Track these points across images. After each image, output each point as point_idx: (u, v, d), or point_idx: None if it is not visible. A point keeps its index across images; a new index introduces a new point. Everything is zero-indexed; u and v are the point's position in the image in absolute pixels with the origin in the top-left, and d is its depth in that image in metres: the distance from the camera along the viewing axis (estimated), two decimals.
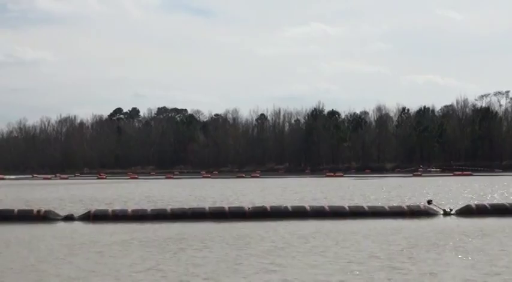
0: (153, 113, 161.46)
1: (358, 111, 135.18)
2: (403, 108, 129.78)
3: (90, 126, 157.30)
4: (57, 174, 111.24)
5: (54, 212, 23.50)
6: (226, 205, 24.62)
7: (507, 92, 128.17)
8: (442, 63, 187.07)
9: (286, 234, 17.78)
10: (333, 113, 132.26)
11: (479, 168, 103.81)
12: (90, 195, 39.68)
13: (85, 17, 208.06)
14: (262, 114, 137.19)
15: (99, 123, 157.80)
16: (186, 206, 25.47)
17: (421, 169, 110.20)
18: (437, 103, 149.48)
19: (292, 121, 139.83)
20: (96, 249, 15.53)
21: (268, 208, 22.89)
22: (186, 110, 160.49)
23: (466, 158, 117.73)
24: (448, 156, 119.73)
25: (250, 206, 23.77)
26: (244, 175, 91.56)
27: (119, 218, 22.55)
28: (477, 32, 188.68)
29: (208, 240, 16.69)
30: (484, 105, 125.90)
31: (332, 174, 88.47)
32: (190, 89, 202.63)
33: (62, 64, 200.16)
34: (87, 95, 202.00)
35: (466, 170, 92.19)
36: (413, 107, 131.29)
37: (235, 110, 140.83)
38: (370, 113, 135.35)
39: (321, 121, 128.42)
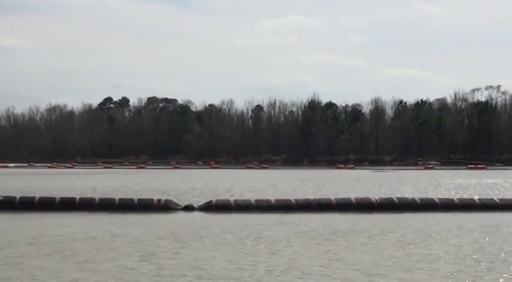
0: (143, 102, 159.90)
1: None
2: (400, 101, 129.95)
3: (80, 115, 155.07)
4: (74, 163, 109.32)
5: (174, 201, 22.72)
6: (352, 197, 23.99)
7: (498, 86, 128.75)
8: (420, 57, 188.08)
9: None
10: (330, 105, 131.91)
11: (478, 162, 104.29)
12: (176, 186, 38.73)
13: (62, 5, 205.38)
14: (258, 105, 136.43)
15: (89, 112, 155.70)
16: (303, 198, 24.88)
17: (420, 162, 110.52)
18: (414, 96, 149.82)
19: (286, 112, 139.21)
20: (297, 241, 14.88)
21: (396, 200, 22.36)
22: (176, 100, 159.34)
23: (464, 151, 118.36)
24: (446, 149, 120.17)
25: (377, 197, 23.20)
26: (253, 166, 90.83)
27: (242, 209, 21.87)
28: (455, 26, 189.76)
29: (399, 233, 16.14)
30: (481, 99, 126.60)
31: (343, 166, 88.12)
32: (168, 80, 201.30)
33: (39, 53, 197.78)
34: (64, 84, 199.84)
35: (471, 164, 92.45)
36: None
37: (231, 100, 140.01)
38: (365, 105, 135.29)
39: (319, 113, 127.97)
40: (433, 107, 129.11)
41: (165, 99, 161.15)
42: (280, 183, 41.32)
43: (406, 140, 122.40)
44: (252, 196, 25.76)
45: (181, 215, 21.31)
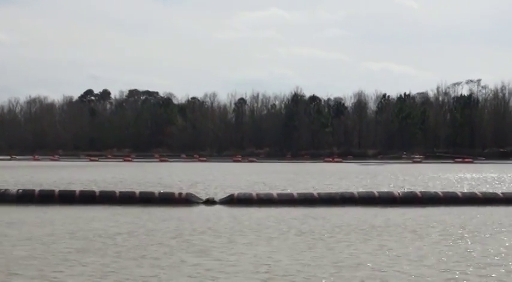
0: (124, 95, 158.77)
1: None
2: (383, 95, 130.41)
3: (60, 108, 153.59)
4: (56, 156, 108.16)
5: (195, 195, 22.42)
6: (374, 190, 23.84)
7: (479, 80, 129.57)
8: (399, 51, 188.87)
9: None
10: (314, 99, 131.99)
11: (462, 156, 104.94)
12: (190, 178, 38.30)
13: None
14: (241, 98, 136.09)
15: (70, 104, 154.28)
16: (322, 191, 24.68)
17: (404, 156, 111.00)
18: (393, 90, 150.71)
19: (269, 106, 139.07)
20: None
21: (419, 193, 22.26)
22: (157, 93, 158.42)
23: (447, 145, 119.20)
24: (429, 143, 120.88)
25: (399, 191, 23.08)
26: (240, 159, 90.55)
27: (264, 202, 21.63)
28: (433, 21, 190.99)
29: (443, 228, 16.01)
30: (462, 93, 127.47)
31: (331, 159, 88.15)
32: (147, 72, 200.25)
33: (17, 45, 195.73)
34: (43, 76, 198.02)
35: (457, 158, 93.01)
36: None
37: (214, 93, 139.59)
38: (348, 99, 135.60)
39: (302, 106, 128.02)
40: (416, 101, 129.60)
41: (147, 92, 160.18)
42: (275, 177, 41.09)
43: (389, 134, 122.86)
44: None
45: (203, 208, 21.00)
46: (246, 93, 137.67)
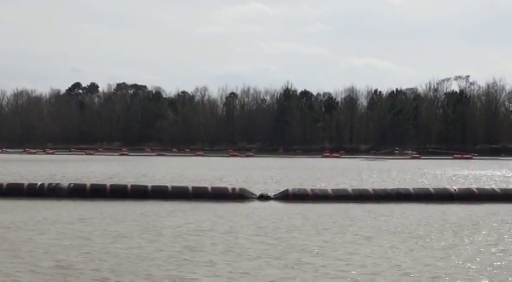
0: (112, 88, 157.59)
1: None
2: (375, 90, 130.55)
3: (47, 101, 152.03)
4: (47, 149, 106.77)
5: (249, 190, 22.02)
6: (430, 187, 23.57)
7: (467, 76, 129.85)
8: (380, 47, 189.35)
9: None
10: (305, 93, 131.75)
11: (454, 152, 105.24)
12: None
13: None
14: (232, 93, 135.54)
15: (57, 97, 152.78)
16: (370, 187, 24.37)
17: (397, 151, 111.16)
18: (378, 86, 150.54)
19: (259, 100, 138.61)
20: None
21: (476, 190, 22.06)
22: (145, 87, 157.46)
23: (438, 141, 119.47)
24: (421, 139, 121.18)
25: (455, 187, 22.83)
26: (238, 154, 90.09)
27: (320, 198, 21.28)
28: (415, 17, 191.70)
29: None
30: (450, 89, 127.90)
31: (329, 154, 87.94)
32: (130, 66, 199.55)
33: None
34: (24, 69, 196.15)
35: (455, 154, 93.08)
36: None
37: (205, 87, 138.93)
38: (338, 94, 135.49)
39: (294, 101, 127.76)
40: (407, 96, 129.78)
41: (135, 86, 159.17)
42: (289, 172, 40.72)
43: (381, 130, 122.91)
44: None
45: (259, 204, 20.61)
46: (237, 87, 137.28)
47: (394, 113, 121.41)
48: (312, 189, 21.89)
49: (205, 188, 21.87)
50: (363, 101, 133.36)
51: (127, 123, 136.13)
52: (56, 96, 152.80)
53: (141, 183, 24.26)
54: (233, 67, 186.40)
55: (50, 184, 21.58)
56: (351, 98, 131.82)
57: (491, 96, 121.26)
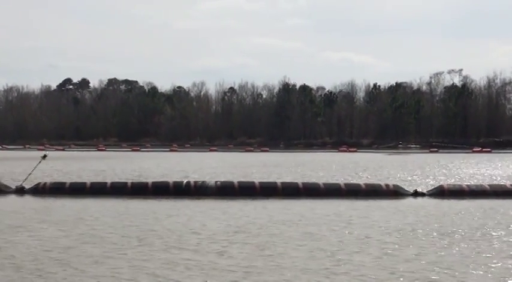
0: (103, 84, 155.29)
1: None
2: (374, 85, 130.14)
3: (39, 97, 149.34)
4: (46, 146, 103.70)
5: (402, 187, 20.94)
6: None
7: (460, 70, 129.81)
8: (357, 41, 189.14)
9: None
10: (304, 88, 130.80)
11: (458, 146, 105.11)
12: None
13: None
14: (231, 88, 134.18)
15: (48, 93, 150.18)
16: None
17: (400, 145, 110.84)
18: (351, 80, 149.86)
19: (255, 95, 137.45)
20: None
21: None
22: (137, 82, 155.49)
23: (440, 135, 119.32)
24: (423, 132, 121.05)
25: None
26: (252, 149, 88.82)
27: (477, 194, 20.28)
28: (392, 11, 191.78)
29: None
30: (444, 83, 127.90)
31: (345, 149, 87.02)
32: (107, 60, 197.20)
33: None
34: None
35: (447, 147, 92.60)
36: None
37: (202, 82, 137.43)
38: (336, 89, 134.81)
39: (294, 96, 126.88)
40: (407, 90, 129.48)
41: (126, 81, 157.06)
42: (334, 168, 39.71)
43: (382, 123, 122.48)
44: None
45: (415, 201, 19.55)
46: (235, 82, 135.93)
47: (396, 107, 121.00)
48: (467, 185, 20.83)
49: (359, 185, 20.73)
50: (361, 95, 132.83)
51: (123, 118, 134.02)
52: (47, 92, 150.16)
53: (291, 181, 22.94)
54: (209, 62, 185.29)
55: (196, 182, 20.23)
56: (350, 92, 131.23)
57: (492, 89, 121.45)
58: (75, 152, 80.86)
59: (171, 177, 26.81)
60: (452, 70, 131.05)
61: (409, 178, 29.21)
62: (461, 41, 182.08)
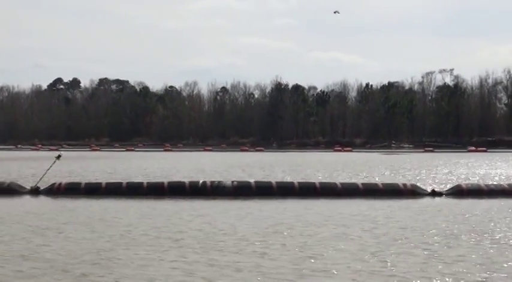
0: (94, 83, 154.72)
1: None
2: (366, 84, 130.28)
3: (29, 96, 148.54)
4: (40, 146, 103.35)
5: (419, 186, 20.76)
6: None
7: (451, 69, 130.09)
8: (346, 40, 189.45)
9: None
10: (297, 88, 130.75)
11: (452, 145, 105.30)
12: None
13: None
14: (223, 87, 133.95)
15: (39, 93, 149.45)
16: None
17: (393, 145, 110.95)
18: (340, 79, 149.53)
19: (246, 94, 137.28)
20: None
21: None
22: (128, 82, 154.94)
23: (433, 134, 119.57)
24: (416, 132, 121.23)
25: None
26: (247, 148, 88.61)
27: (495, 193, 20.15)
28: (381, 11, 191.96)
29: None
30: (438, 83, 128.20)
31: (340, 149, 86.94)
32: (97, 60, 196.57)
33: None
34: None
35: (442, 147, 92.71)
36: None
37: (194, 82, 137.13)
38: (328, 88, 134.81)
39: (287, 95, 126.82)
40: (400, 90, 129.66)
41: (117, 81, 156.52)
42: (344, 168, 39.65)
43: (374, 123, 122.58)
44: None
45: (434, 200, 19.38)
46: (227, 82, 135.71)
47: (388, 106, 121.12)
48: (486, 184, 20.70)
49: (376, 185, 20.54)
50: (353, 95, 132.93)
51: (115, 118, 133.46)
52: (38, 91, 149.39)
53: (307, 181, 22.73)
54: (198, 61, 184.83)
55: (212, 182, 19.97)
56: (343, 92, 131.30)
57: (484, 89, 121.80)
58: (70, 152, 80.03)
59: (178, 177, 26.56)
60: (444, 70, 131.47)
61: (417, 178, 29.06)
62: (451, 41, 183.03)
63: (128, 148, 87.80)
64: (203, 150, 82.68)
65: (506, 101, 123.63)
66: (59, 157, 20.74)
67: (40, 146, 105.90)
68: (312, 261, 9.64)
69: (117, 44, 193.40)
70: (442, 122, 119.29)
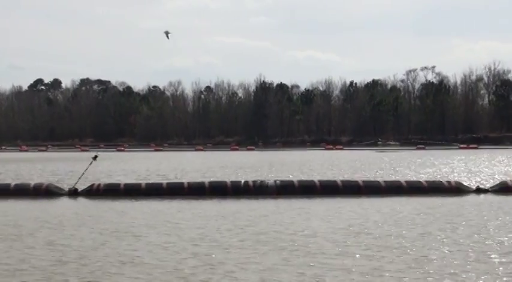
0: (75, 84, 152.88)
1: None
2: (351, 82, 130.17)
3: (10, 97, 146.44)
4: (23, 147, 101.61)
5: (464, 184, 20.37)
6: None
7: (433, 67, 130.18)
8: (323, 39, 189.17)
9: None
10: (281, 87, 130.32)
11: (438, 142, 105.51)
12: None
13: None
14: (208, 87, 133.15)
15: (20, 94, 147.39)
16: None
17: (380, 142, 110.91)
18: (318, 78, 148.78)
19: (230, 93, 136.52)
20: None
21: None
22: (109, 82, 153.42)
23: (418, 131, 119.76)
24: (401, 129, 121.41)
25: None
26: (238, 148, 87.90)
27: None
28: (357, 10, 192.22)
29: None
30: (421, 80, 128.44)
31: (331, 146, 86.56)
32: (74, 60, 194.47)
33: None
34: None
35: (430, 144, 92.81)
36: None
37: (178, 82, 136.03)
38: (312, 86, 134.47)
39: (271, 94, 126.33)
40: (384, 87, 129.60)
41: (99, 81, 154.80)
42: (346, 166, 39.25)
43: (360, 121, 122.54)
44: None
45: (484, 197, 18.98)
46: (211, 81, 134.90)
47: (374, 104, 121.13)
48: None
49: (420, 182, 20.10)
50: (338, 93, 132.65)
51: (99, 119, 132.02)
52: (18, 92, 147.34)
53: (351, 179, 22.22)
54: (176, 61, 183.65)
55: (254, 182, 19.38)
56: (327, 90, 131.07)
57: (468, 86, 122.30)
58: (62, 153, 78.86)
59: (198, 177, 25.95)
60: (425, 67, 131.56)
61: (438, 176, 28.61)
62: (430, 38, 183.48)
63: (119, 148, 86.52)
64: (195, 150, 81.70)
65: (489, 98, 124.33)
66: (95, 158, 20.05)
67: (24, 147, 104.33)
68: (422, 264, 9.09)
69: (95, 43, 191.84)
70: (426, 120, 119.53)
